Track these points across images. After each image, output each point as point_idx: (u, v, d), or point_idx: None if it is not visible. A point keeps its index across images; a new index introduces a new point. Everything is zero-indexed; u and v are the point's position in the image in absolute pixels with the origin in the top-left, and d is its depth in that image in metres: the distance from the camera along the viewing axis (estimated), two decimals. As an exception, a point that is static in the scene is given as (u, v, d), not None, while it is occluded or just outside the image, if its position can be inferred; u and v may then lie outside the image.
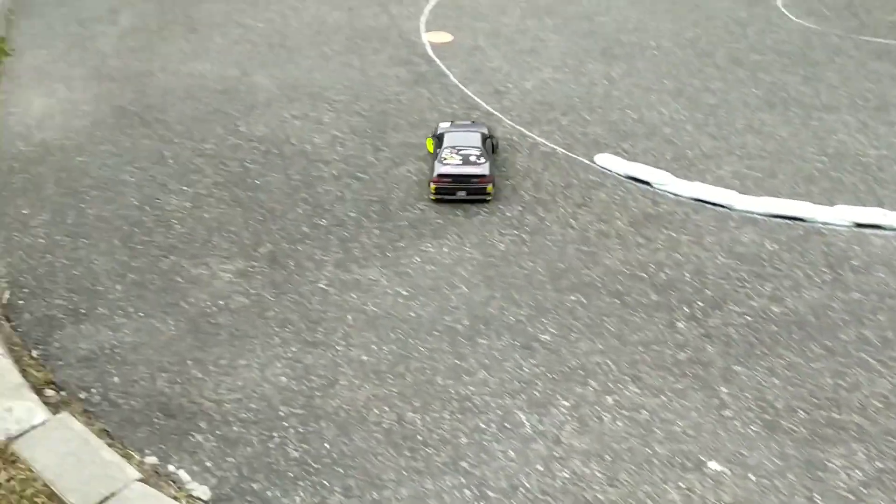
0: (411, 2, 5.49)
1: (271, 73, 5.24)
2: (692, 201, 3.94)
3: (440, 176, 4.03)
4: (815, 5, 5.55)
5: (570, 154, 4.42)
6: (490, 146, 4.33)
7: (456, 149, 4.15)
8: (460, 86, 5.00)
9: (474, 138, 4.24)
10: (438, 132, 4.38)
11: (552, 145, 4.50)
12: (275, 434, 2.82)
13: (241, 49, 5.58)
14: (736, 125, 4.54)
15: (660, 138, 4.48)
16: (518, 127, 4.60)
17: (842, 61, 4.86)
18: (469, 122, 4.54)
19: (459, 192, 4.04)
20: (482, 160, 4.09)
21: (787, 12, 5.25)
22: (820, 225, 3.82)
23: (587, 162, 4.25)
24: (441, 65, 5.07)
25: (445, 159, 4.10)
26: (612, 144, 4.44)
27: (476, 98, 4.92)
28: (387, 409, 2.92)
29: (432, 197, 4.05)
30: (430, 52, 5.15)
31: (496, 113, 4.69)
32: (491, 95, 4.80)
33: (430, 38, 5.22)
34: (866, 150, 4.44)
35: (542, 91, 4.92)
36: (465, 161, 4.08)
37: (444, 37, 5.24)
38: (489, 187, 4.05)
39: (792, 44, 4.94)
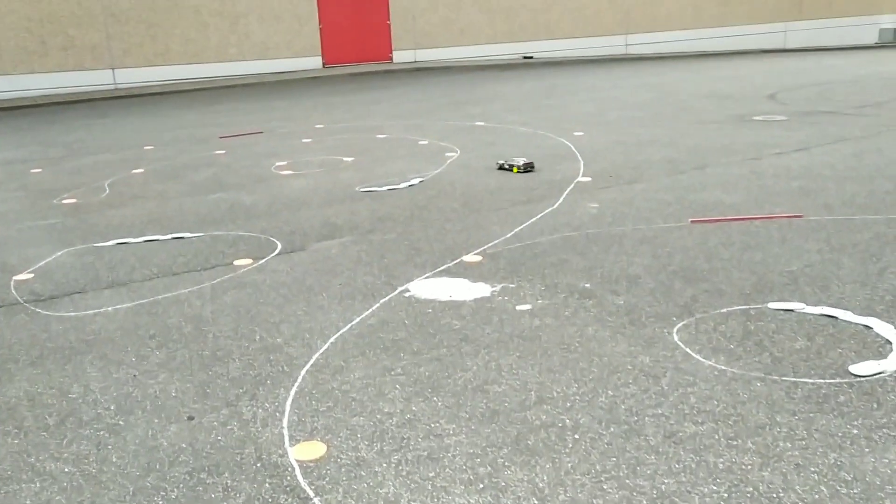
0: (267, 395, 3.76)
1: None
2: None
3: None
4: (714, 336, 4.14)
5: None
6: None
7: None
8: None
9: None
10: None
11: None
12: None
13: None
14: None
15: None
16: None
17: (784, 421, 3.38)
18: None
19: None
20: None
21: (690, 351, 4.06)
22: None
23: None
24: (317, 502, 3.13)
25: None
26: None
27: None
28: None
29: None
30: (301, 481, 3.31)
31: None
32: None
33: (297, 453, 3.47)
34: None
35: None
36: None
37: (315, 449, 3.51)
38: None
39: (719, 400, 3.64)
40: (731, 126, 10.91)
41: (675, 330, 4.22)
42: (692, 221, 6.15)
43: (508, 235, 6.02)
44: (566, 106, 13.71)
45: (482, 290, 4.89)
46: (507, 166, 8.45)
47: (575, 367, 3.85)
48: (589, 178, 7.85)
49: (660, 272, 5.09)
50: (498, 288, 4.90)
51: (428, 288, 4.96)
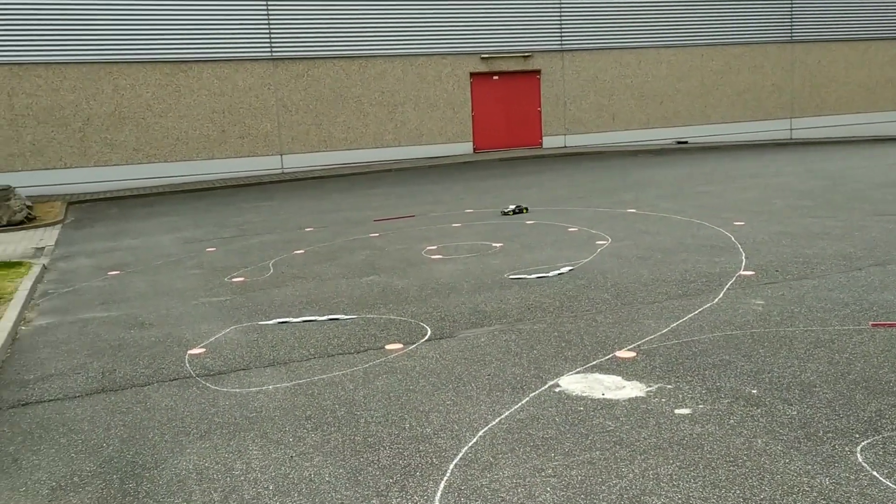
0: (416, 487, 3.59)
1: None
2: None
3: None
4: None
5: None
6: None
7: None
8: None
9: None
10: None
11: None
12: None
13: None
14: None
15: None
16: None
17: None
18: None
19: None
20: None
21: (878, 475, 3.51)
22: None
23: None
24: None
25: None
26: None
27: None
28: None
29: None
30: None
31: None
32: None
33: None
34: None
35: None
36: None
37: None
38: None
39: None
40: (912, 218, 10.06)
41: (858, 449, 3.82)
42: (873, 325, 5.63)
43: (664, 331, 5.77)
44: (725, 193, 13.24)
45: (637, 389, 4.68)
46: (504, 212, 11.19)
47: (743, 483, 3.55)
48: (752, 272, 7.44)
49: (838, 381, 4.67)
50: (654, 388, 4.68)
51: (579, 384, 4.82)
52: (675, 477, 3.56)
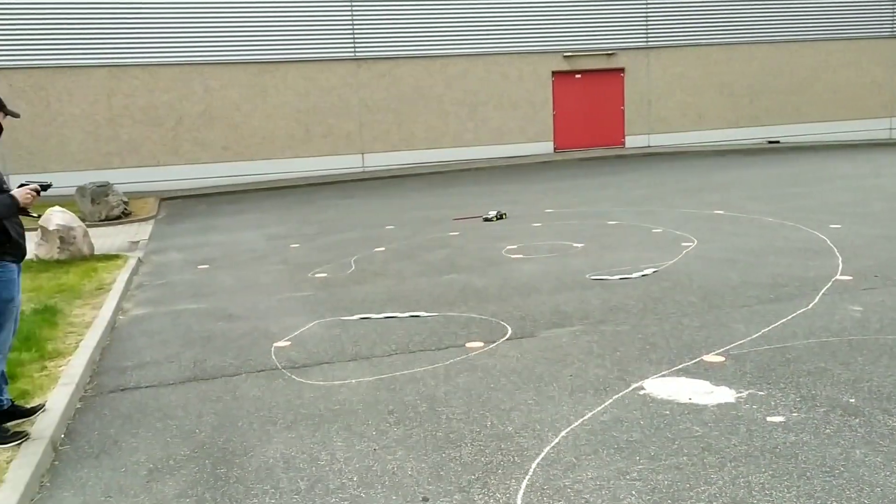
0: (499, 485, 3.55)
1: None
2: None
3: None
4: None
5: None
6: None
7: None
8: None
9: None
10: None
11: None
12: None
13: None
14: None
15: None
16: None
17: None
18: None
19: None
20: None
21: None
22: None
23: None
24: None
25: None
26: None
27: None
28: None
29: None
30: None
31: None
32: None
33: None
34: None
35: None
36: None
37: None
38: None
39: None
40: None
41: (969, 465, 3.59)
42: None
43: (755, 336, 5.58)
44: (819, 195, 12.70)
45: (726, 394, 4.54)
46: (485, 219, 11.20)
47: (840, 495, 3.40)
48: (849, 277, 7.11)
49: (945, 393, 4.41)
50: (744, 394, 4.53)
51: (664, 387, 4.71)
52: (767, 486, 3.44)
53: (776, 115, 25.24)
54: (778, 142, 24.38)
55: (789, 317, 5.94)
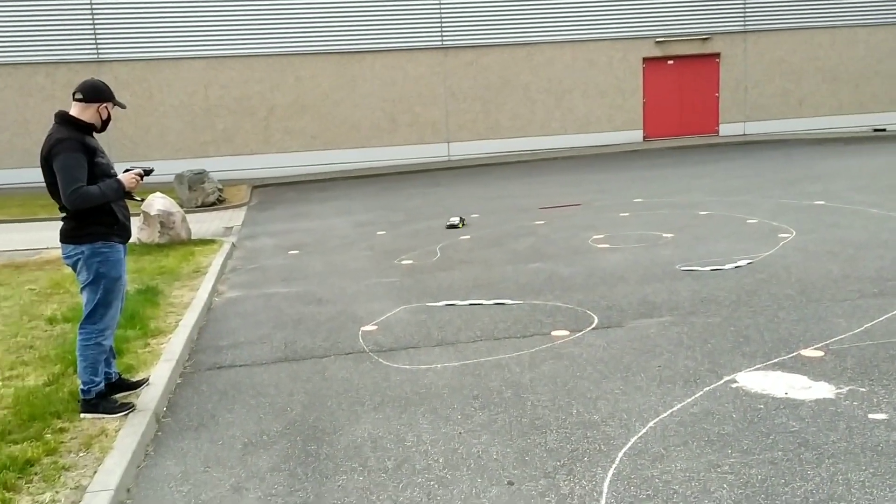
0: (584, 472, 3.54)
1: None
2: None
3: None
4: None
5: None
6: None
7: None
8: None
9: None
10: None
11: None
12: None
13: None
14: None
15: None
16: None
17: None
18: None
19: None
20: None
21: None
22: None
23: None
24: None
25: None
26: None
27: None
28: None
29: None
30: None
31: None
32: None
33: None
34: None
35: None
36: None
37: None
38: None
39: None
40: None
41: None
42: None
43: (857, 331, 5.32)
44: (928, 185, 11.95)
45: (825, 390, 4.36)
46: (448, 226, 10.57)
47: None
48: (963, 272, 6.68)
49: None
50: (844, 390, 4.33)
51: (759, 381, 4.56)
52: (867, 484, 3.29)
53: (883, 102, 23.89)
54: (884, 129, 23.08)
55: (894, 312, 5.64)
